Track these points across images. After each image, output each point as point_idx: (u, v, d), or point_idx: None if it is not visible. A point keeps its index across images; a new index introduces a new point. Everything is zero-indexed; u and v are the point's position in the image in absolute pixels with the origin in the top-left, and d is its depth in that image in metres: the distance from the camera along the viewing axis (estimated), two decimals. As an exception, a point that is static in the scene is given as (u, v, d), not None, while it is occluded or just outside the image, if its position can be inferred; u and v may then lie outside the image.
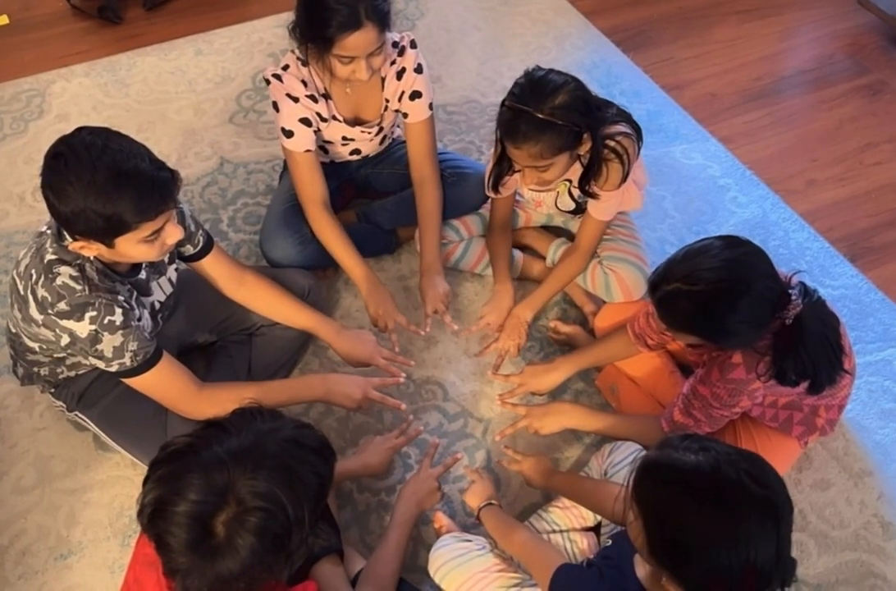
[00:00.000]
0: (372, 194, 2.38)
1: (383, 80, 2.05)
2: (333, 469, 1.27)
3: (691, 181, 2.62)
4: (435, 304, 2.08)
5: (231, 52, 3.01)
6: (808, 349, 1.54)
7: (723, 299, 1.49)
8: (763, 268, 1.54)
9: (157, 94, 2.86)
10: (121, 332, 1.55)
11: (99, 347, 1.55)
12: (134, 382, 1.65)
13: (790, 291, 1.55)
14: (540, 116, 1.71)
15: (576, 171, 1.92)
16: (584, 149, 1.83)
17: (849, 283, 2.38)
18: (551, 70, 1.78)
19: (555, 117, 1.71)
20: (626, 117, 1.89)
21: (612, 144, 1.85)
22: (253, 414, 1.23)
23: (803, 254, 2.44)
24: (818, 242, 2.47)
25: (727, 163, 2.68)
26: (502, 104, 1.79)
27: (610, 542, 1.52)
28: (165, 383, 1.68)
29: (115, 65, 2.95)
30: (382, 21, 1.80)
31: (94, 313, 1.51)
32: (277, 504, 1.13)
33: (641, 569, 1.30)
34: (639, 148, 1.91)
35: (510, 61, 2.98)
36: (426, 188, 2.16)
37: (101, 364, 1.60)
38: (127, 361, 1.59)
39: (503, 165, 1.96)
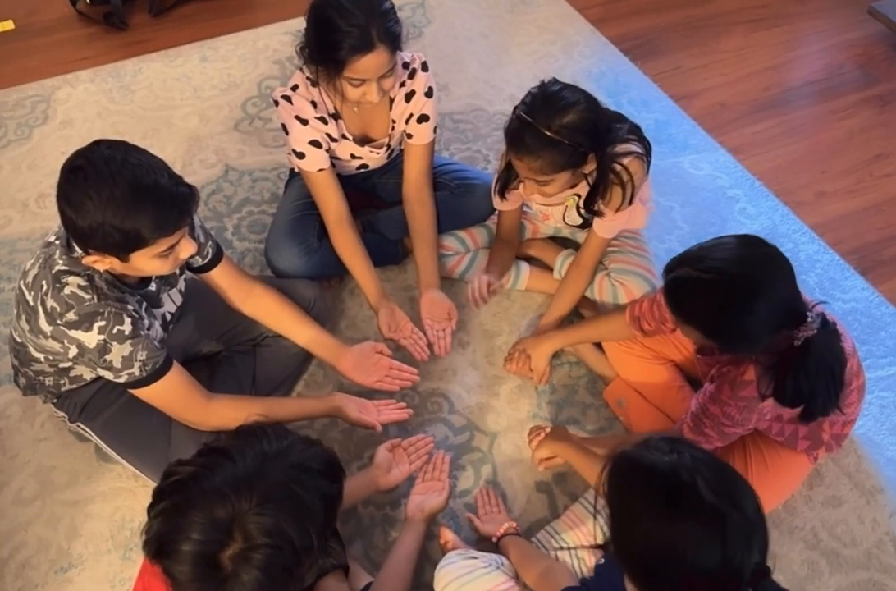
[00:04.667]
0: (378, 204, 2.37)
1: (391, 100, 2.03)
2: (343, 487, 1.26)
3: (700, 192, 2.60)
4: (434, 323, 2.10)
5: (236, 58, 2.99)
6: (810, 376, 1.52)
7: (729, 292, 1.47)
8: (778, 273, 1.51)
9: (163, 100, 2.84)
10: (130, 341, 1.53)
11: (108, 357, 1.53)
12: (142, 392, 1.63)
13: (808, 313, 1.52)
14: (546, 132, 1.70)
15: (583, 186, 1.91)
16: (589, 168, 1.82)
17: (859, 296, 2.35)
18: (568, 86, 1.76)
19: (560, 136, 1.70)
20: (637, 134, 1.87)
21: (618, 168, 1.83)
22: (257, 435, 1.20)
23: (813, 267, 2.41)
24: (828, 255, 2.44)
25: (736, 174, 2.66)
26: (513, 111, 1.77)
27: (603, 560, 1.54)
28: (174, 393, 1.66)
29: (120, 71, 2.93)
30: (394, 43, 1.79)
31: (103, 323, 1.50)
32: (284, 539, 1.11)
33: (631, 587, 1.28)
34: (648, 167, 1.89)
35: (517, 69, 2.96)
36: (421, 209, 2.16)
37: (109, 375, 1.58)
38: (136, 371, 1.57)
39: (511, 172, 1.94)
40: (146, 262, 1.47)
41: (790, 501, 1.90)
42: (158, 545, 1.11)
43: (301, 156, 2.00)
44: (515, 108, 1.76)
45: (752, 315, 1.47)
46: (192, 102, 2.83)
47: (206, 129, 2.74)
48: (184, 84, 2.89)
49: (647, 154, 1.88)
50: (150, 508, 1.14)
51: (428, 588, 1.66)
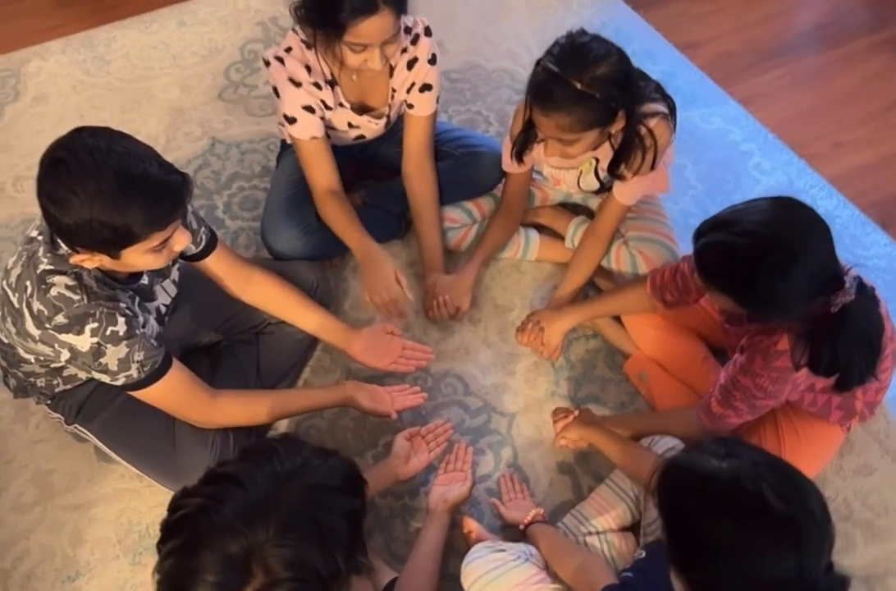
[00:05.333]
0: (377, 174, 2.24)
1: (392, 68, 1.90)
2: (366, 499, 1.17)
3: (712, 148, 2.49)
4: (435, 314, 2.03)
5: (217, 22, 2.82)
6: (847, 343, 1.45)
7: (766, 257, 1.39)
8: (817, 236, 1.43)
9: (141, 70, 2.68)
10: (125, 342, 1.43)
11: (103, 360, 1.43)
12: (142, 394, 1.54)
13: (845, 278, 1.44)
14: (578, 85, 1.57)
15: (604, 149, 1.79)
16: (617, 127, 1.70)
17: (882, 252, 2.27)
18: (596, 36, 1.64)
19: (592, 89, 1.58)
20: (662, 92, 1.76)
21: (643, 131, 1.73)
22: (266, 454, 1.10)
23: (833, 222, 2.21)
24: (848, 210, 2.37)
25: (748, 127, 2.55)
26: (537, 64, 1.64)
27: (643, 554, 1.47)
28: (176, 393, 1.57)
29: (92, 40, 2.76)
30: (399, 6, 1.66)
31: (96, 325, 1.40)
32: (309, 570, 1.02)
33: (678, 584, 1.22)
34: (674, 127, 1.78)
35: (514, 22, 2.81)
36: (422, 186, 2.05)
37: (106, 378, 1.48)
38: (134, 372, 1.47)
39: (531, 132, 1.81)
40: (138, 257, 1.37)
41: (821, 471, 1.84)
42: (172, 589, 1.02)
43: (292, 121, 1.86)
44: (539, 60, 1.64)
45: (790, 281, 1.39)
46: (172, 71, 2.68)
47: (189, 99, 2.59)
48: (162, 52, 2.73)
49: (672, 113, 1.77)
50: (160, 544, 1.05)
51: (453, 580, 1.59)
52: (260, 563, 1.00)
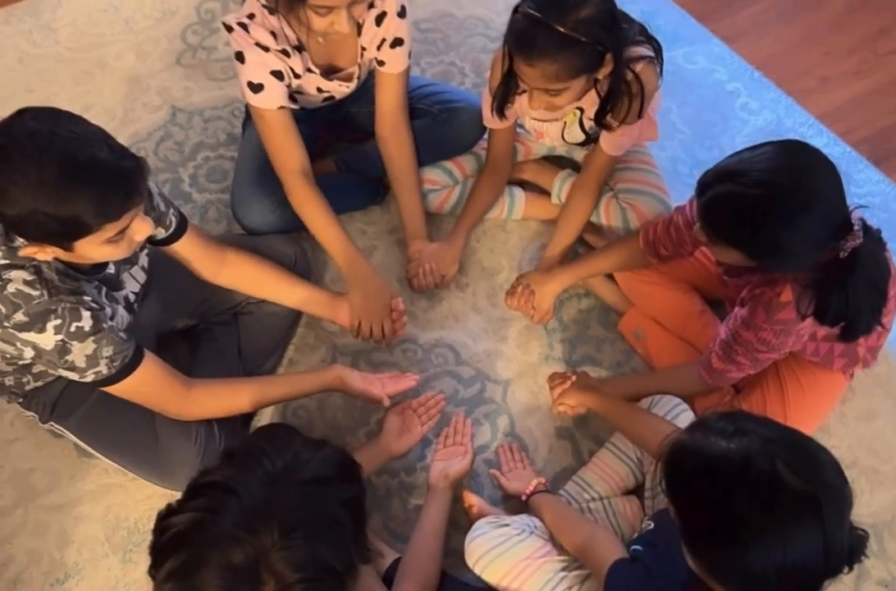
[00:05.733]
0: (351, 136, 2.13)
1: (360, 25, 1.78)
2: (363, 482, 1.13)
3: (697, 89, 2.41)
4: (420, 282, 1.95)
5: (168, -20, 2.66)
6: (857, 289, 1.39)
7: (781, 207, 1.33)
8: (829, 180, 1.36)
9: (91, 37, 2.53)
10: (92, 338, 1.34)
11: (69, 357, 1.35)
12: (114, 389, 1.46)
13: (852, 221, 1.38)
14: (562, 29, 1.47)
15: (588, 98, 1.70)
16: (604, 73, 1.60)
17: (875, 189, 2.22)
18: None
19: (578, 33, 1.48)
20: (646, 35, 1.66)
21: (630, 76, 1.63)
22: (255, 456, 1.04)
23: (824, 161, 2.24)
24: (838, 147, 2.30)
25: (733, 65, 2.46)
26: (515, 10, 1.53)
27: (651, 525, 1.42)
28: (150, 387, 1.48)
29: (36, 7, 2.59)
30: None
31: (59, 322, 1.31)
32: (321, 567, 0.97)
33: (690, 559, 1.18)
34: (661, 70, 1.69)
35: (484, -36, 2.67)
36: (398, 149, 1.95)
37: (74, 376, 1.40)
38: (103, 369, 1.39)
39: (511, 84, 1.71)
40: (94, 249, 1.27)
41: (823, 419, 1.80)
42: None
43: (258, 88, 1.73)
44: (517, 6, 1.53)
45: (803, 229, 1.34)
46: (125, 37, 2.52)
47: (145, 66, 2.45)
48: (112, 16, 2.57)
49: (658, 56, 1.67)
50: (153, 569, 0.98)
51: (456, 556, 1.55)
52: (269, 569, 0.95)
